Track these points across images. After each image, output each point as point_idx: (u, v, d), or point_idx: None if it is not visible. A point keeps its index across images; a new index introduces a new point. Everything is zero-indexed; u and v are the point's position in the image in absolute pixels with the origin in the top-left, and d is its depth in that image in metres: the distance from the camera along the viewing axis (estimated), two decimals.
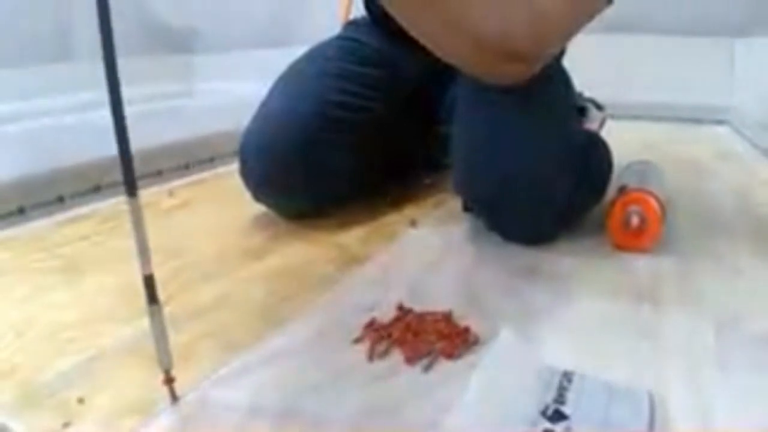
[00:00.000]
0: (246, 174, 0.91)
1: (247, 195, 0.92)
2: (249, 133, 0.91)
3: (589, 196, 0.83)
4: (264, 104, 0.94)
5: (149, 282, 0.45)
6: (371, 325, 0.59)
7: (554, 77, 0.87)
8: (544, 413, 0.43)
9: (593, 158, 0.84)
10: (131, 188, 0.43)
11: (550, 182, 0.74)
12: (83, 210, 1.03)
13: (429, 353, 0.53)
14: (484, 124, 0.77)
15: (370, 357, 0.54)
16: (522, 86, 0.73)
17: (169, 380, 0.47)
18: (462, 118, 0.82)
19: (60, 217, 1.00)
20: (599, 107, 1.00)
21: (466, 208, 0.86)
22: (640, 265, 0.73)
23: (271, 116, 0.91)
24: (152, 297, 0.45)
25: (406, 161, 1.11)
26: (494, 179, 0.74)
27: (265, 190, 0.91)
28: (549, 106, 0.79)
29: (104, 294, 0.69)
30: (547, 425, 0.42)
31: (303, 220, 0.92)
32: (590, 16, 0.72)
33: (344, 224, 0.90)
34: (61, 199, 1.13)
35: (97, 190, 1.13)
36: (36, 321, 0.63)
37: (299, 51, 1.03)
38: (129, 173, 0.43)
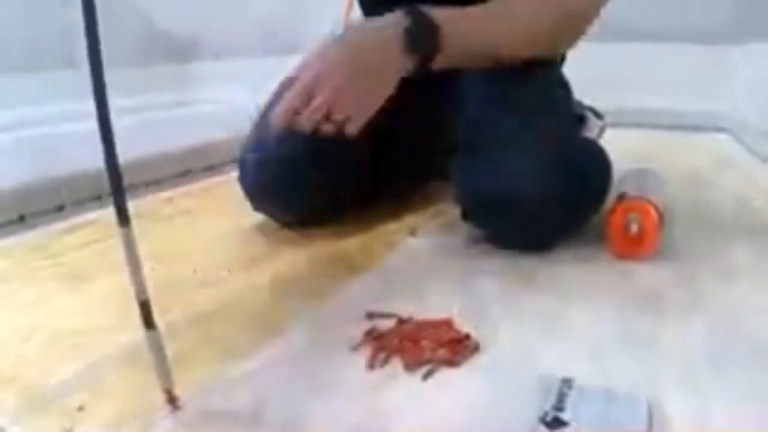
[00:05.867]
0: (245, 182, 0.91)
1: (246, 203, 0.92)
2: (249, 141, 0.92)
3: (589, 203, 0.84)
4: (264, 113, 0.94)
5: (145, 308, 0.45)
6: (371, 333, 0.59)
7: (554, 85, 0.88)
8: (543, 420, 0.43)
9: (592, 166, 0.84)
10: (124, 219, 0.43)
11: (550, 189, 0.74)
12: (84, 218, 1.03)
13: (429, 361, 0.54)
14: (485, 132, 0.78)
15: (371, 366, 0.54)
16: (523, 94, 0.74)
17: (171, 399, 0.47)
18: (463, 125, 0.82)
19: (61, 225, 1.00)
20: (598, 115, 1.00)
21: (465, 217, 0.86)
22: (639, 272, 0.74)
23: (271, 126, 0.91)
24: (149, 322, 0.45)
25: (406, 169, 1.11)
26: (494, 186, 0.75)
27: (264, 199, 0.92)
28: (549, 113, 0.79)
29: (106, 301, 0.69)
30: None
31: (302, 228, 0.92)
32: None
33: (344, 233, 0.91)
34: (61, 208, 1.13)
35: (98, 199, 1.13)
36: (39, 328, 0.63)
37: (298, 58, 1.03)
38: (121, 204, 0.43)
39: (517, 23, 0.79)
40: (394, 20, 0.73)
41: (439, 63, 0.75)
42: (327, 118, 0.69)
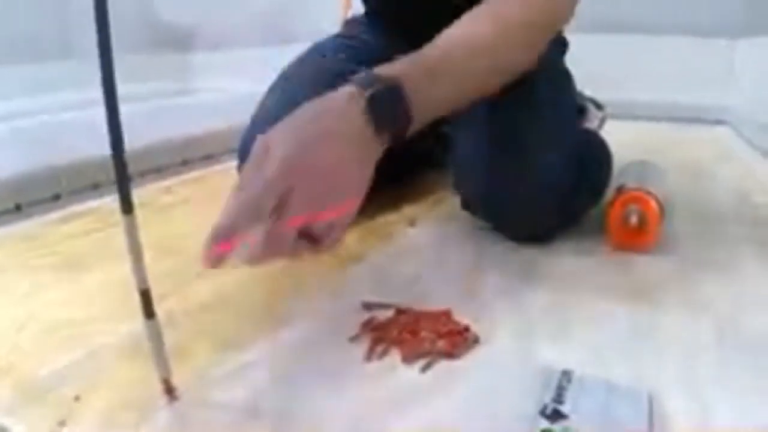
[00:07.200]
0: None
1: None
2: (249, 132, 0.91)
3: (589, 195, 0.83)
4: (263, 103, 0.93)
5: (145, 297, 0.45)
6: (369, 324, 0.58)
7: (557, 76, 0.87)
8: (542, 412, 0.43)
9: (593, 157, 0.84)
10: (127, 205, 0.43)
11: (550, 180, 0.74)
12: (81, 207, 1.02)
13: (427, 353, 0.53)
14: (484, 120, 0.77)
15: (369, 357, 0.54)
16: (525, 84, 0.73)
17: (168, 390, 0.47)
18: (462, 113, 0.81)
19: (58, 214, 0.99)
20: (599, 106, 1.00)
21: (466, 206, 0.86)
22: (639, 264, 0.73)
23: (271, 116, 0.90)
24: (149, 312, 0.45)
25: (406, 160, 1.11)
26: (494, 176, 0.74)
27: None
28: (551, 103, 0.78)
29: (103, 291, 0.69)
30: (546, 425, 0.42)
31: None
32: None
33: None
34: (58, 197, 1.12)
35: (95, 188, 1.13)
36: (34, 318, 0.62)
37: (298, 49, 1.02)
38: (125, 191, 0.42)
39: (485, 58, 0.67)
40: (349, 100, 0.55)
41: (413, 128, 0.60)
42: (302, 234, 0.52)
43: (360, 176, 0.55)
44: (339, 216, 0.53)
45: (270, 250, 0.49)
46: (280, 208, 0.49)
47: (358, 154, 0.55)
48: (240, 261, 0.48)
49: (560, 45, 0.97)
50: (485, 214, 0.82)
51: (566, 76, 0.90)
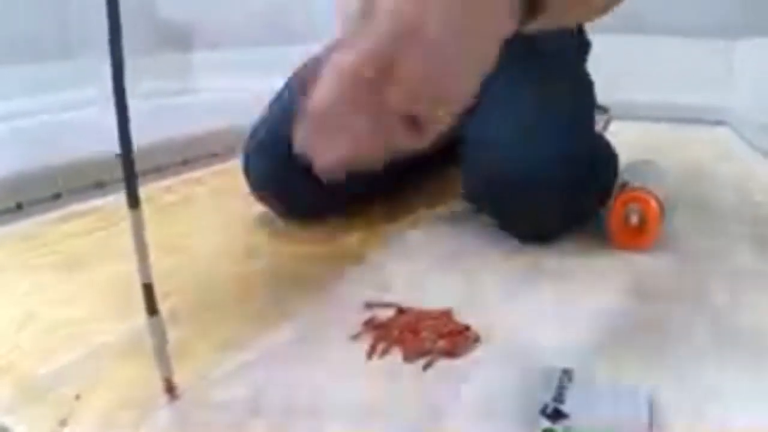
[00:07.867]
0: (249, 173, 0.90)
1: (246, 192, 0.91)
2: (257, 130, 0.90)
3: (596, 196, 0.83)
4: (274, 103, 0.92)
5: (148, 291, 0.45)
6: (370, 323, 0.58)
7: (575, 77, 0.87)
8: (543, 412, 0.43)
9: (600, 159, 0.84)
10: (133, 200, 0.43)
11: (558, 179, 0.74)
12: (81, 207, 1.02)
13: (428, 352, 0.53)
14: (497, 115, 0.76)
15: (370, 356, 0.54)
16: (540, 81, 0.73)
17: (170, 389, 0.47)
18: (482, 108, 0.81)
19: (58, 213, 0.99)
20: (603, 109, 0.99)
21: (469, 198, 0.85)
22: (640, 263, 0.73)
23: (282, 118, 0.89)
24: (152, 307, 0.45)
25: (410, 162, 1.10)
26: (502, 171, 0.74)
27: (265, 190, 0.90)
28: (564, 102, 0.78)
29: (104, 290, 0.69)
30: (547, 424, 0.42)
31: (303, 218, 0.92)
32: None
33: (345, 223, 0.90)
34: (58, 196, 1.12)
35: (97, 187, 1.13)
36: (35, 317, 0.62)
37: (299, 48, 1.02)
38: (132, 185, 0.42)
39: None
40: None
41: (534, 24, 0.47)
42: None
43: (483, 48, 0.42)
44: (448, 96, 0.41)
45: (374, 138, 0.41)
46: (381, 80, 0.39)
47: (491, 23, 0.42)
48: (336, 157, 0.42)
49: (583, 46, 0.96)
50: (491, 210, 0.82)
51: (585, 79, 0.90)
